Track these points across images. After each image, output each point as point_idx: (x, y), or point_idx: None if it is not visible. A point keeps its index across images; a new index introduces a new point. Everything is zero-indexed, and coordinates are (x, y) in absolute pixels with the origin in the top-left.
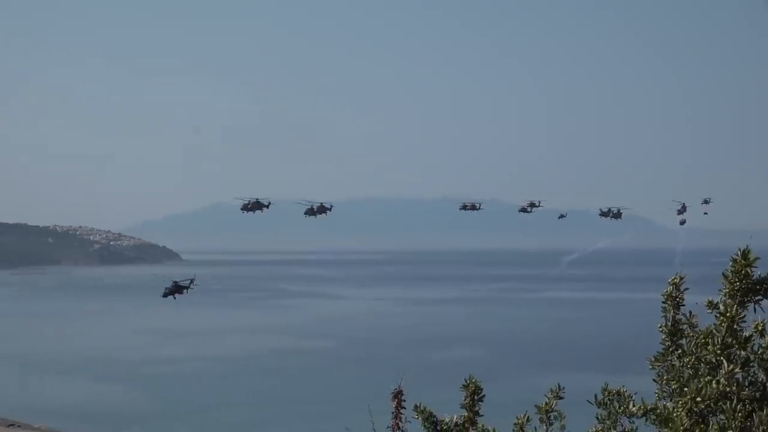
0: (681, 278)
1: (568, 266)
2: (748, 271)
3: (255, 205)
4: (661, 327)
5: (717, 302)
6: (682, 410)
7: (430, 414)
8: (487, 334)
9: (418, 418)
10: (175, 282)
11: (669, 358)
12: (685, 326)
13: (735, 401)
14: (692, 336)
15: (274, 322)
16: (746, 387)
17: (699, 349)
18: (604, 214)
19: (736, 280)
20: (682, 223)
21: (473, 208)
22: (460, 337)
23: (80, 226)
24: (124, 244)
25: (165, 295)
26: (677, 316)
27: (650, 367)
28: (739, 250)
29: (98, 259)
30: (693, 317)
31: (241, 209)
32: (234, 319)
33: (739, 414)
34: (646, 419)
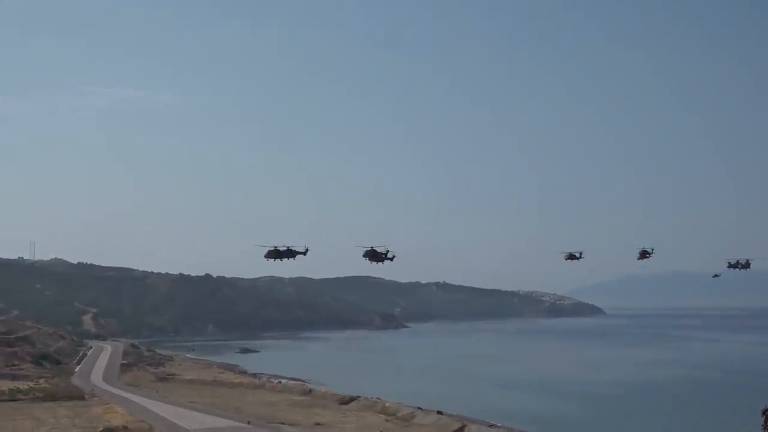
0: None
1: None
2: None
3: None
4: None
5: None
6: None
7: None
8: None
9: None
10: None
11: None
12: None
13: None
14: None
15: (665, 357)
16: None
17: None
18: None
19: None
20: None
21: (574, 257)
22: None
23: (535, 291)
24: (565, 303)
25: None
26: None
27: None
28: None
29: (547, 313)
30: None
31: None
32: (639, 354)
33: None
34: None
